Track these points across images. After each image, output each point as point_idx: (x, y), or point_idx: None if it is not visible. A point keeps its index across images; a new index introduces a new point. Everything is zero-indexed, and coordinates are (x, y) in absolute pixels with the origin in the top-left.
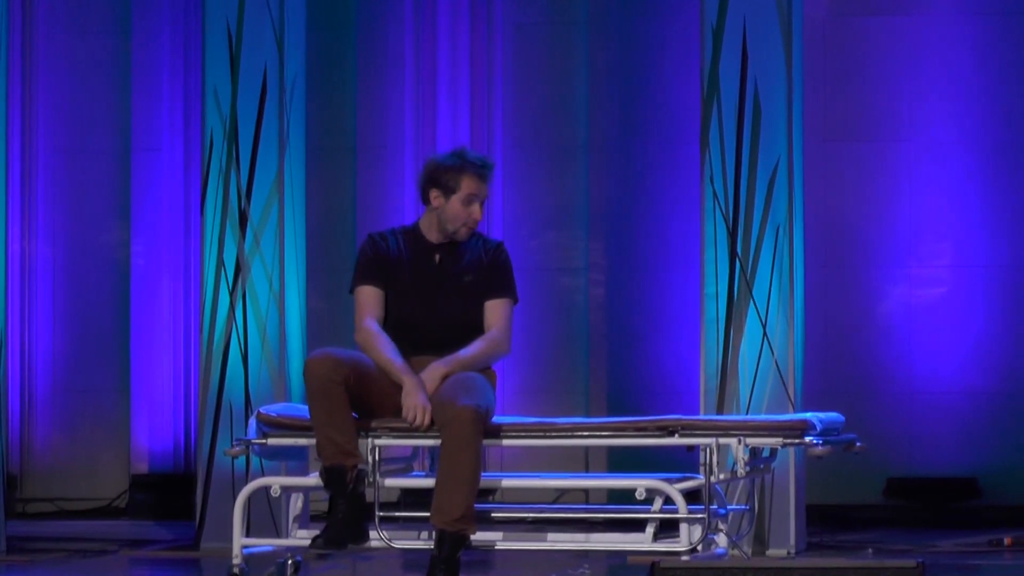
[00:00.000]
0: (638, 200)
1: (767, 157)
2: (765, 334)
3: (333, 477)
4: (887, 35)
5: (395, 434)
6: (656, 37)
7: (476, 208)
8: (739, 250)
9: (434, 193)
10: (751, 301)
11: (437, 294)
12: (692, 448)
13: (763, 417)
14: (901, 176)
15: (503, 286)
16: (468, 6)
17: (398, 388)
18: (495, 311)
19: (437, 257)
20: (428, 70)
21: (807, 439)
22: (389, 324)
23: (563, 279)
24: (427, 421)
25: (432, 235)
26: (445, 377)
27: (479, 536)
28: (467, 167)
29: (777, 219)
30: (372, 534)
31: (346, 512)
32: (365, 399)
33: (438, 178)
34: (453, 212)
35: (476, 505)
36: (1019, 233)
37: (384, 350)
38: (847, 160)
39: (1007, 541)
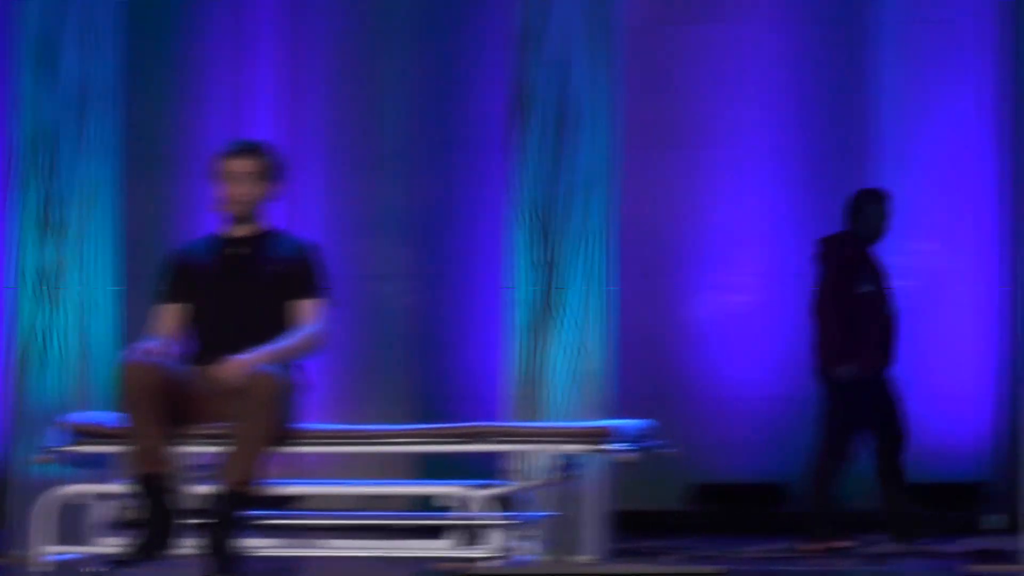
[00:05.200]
0: (452, 208)
1: (583, 165)
2: (577, 341)
3: (145, 485)
4: (702, 43)
5: (204, 441)
6: (471, 46)
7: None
8: (551, 257)
9: None
10: (563, 308)
11: (236, 284)
12: (500, 454)
13: (570, 424)
14: (715, 183)
15: (315, 286)
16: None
17: (210, 393)
18: (308, 309)
19: (237, 250)
20: (248, 76)
21: (614, 445)
22: (195, 328)
23: (377, 286)
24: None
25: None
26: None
27: (280, 546)
28: None
29: (592, 226)
30: (180, 541)
31: (159, 521)
32: (178, 405)
33: None
34: None
35: (276, 512)
36: None
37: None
38: (661, 167)
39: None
